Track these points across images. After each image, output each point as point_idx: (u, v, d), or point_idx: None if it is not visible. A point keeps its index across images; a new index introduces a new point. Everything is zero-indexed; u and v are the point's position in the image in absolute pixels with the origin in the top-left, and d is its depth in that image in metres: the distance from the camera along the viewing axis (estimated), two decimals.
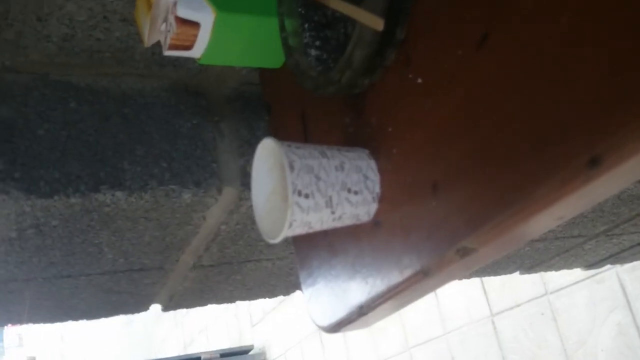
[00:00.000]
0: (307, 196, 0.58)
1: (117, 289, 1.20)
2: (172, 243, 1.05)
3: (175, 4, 0.71)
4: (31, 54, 0.84)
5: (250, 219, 1.03)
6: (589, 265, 1.94)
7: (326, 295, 0.73)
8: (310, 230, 0.61)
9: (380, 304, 0.63)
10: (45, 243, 0.93)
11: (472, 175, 0.50)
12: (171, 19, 0.73)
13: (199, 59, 0.77)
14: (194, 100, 0.95)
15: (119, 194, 0.85)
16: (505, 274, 1.83)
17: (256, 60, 0.81)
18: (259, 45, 0.78)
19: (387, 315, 0.67)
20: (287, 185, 0.59)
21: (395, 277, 0.60)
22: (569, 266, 1.89)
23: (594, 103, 0.40)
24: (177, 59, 0.90)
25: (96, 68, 0.89)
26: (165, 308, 1.38)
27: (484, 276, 1.81)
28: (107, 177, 0.85)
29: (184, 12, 0.71)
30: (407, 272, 0.58)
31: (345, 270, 0.68)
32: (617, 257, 1.87)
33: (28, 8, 0.78)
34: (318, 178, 0.59)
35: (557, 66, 0.42)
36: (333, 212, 0.60)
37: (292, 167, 0.58)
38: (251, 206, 0.98)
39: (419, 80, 0.56)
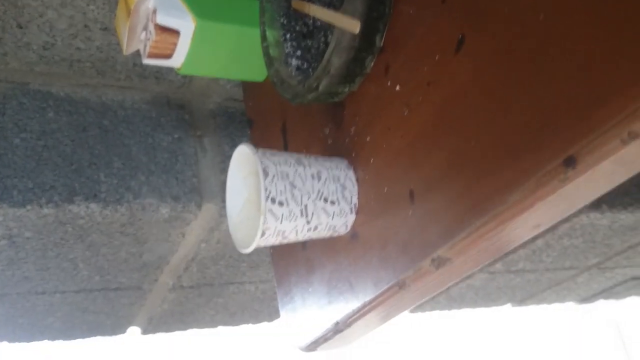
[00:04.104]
0: (281, 204, 0.56)
1: (93, 309, 1.17)
2: (150, 261, 1.02)
3: (155, 11, 0.70)
4: (11, 62, 0.83)
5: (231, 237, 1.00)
6: (582, 300, 1.91)
7: (303, 313, 0.70)
8: (285, 241, 0.59)
9: (355, 320, 0.61)
10: (19, 256, 0.90)
11: (448, 183, 0.48)
12: (151, 26, 0.71)
13: (178, 69, 0.76)
14: (176, 113, 0.93)
15: (93, 206, 0.83)
16: (497, 306, 1.80)
17: (238, 72, 0.79)
18: (240, 56, 0.76)
19: (365, 333, 0.65)
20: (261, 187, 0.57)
21: (370, 292, 0.58)
22: (562, 300, 1.86)
23: (568, 104, 0.38)
24: (159, 70, 0.89)
25: (76, 78, 0.87)
26: (144, 331, 1.35)
27: (476, 308, 1.78)
28: (82, 188, 0.83)
29: (163, 19, 0.70)
30: (382, 286, 0.56)
31: (322, 286, 0.66)
32: (610, 291, 1.85)
33: (8, 14, 0.77)
34: (293, 186, 0.57)
35: (531, 68, 0.41)
36: (308, 222, 0.58)
37: (266, 173, 0.56)
38: None
39: (397, 88, 0.54)
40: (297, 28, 0.67)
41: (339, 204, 0.59)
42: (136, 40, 0.74)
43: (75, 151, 0.84)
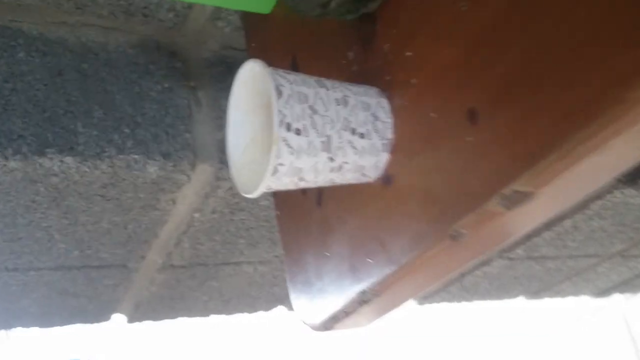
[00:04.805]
0: (298, 132, 0.44)
1: (73, 291, 1.04)
2: (136, 233, 0.89)
3: None
4: None
5: (228, 207, 0.88)
6: (599, 293, 1.80)
7: (317, 283, 0.58)
8: (301, 184, 0.46)
9: (387, 286, 0.49)
10: None
11: (530, 89, 0.36)
12: None
13: None
14: (166, 60, 0.81)
15: (69, 160, 0.70)
16: (510, 298, 1.68)
17: (241, 0, 0.67)
18: None
19: (398, 305, 0.52)
20: (272, 119, 0.45)
21: (409, 249, 0.45)
22: (578, 292, 1.74)
23: None
24: (147, 6, 0.76)
25: (52, 14, 0.75)
26: (131, 319, 1.22)
27: (488, 299, 1.66)
28: (56, 139, 0.70)
29: None
30: (426, 240, 0.44)
31: (343, 247, 0.54)
32: (629, 284, 1.73)
33: None
34: (314, 110, 0.44)
35: None
36: (332, 159, 0.46)
37: (279, 92, 0.43)
38: (230, 189, 0.83)
39: None
40: None
41: (369, 137, 0.47)
42: None
43: (49, 97, 0.72)
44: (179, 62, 0.82)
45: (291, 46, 0.64)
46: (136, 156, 0.73)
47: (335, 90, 0.46)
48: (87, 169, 0.72)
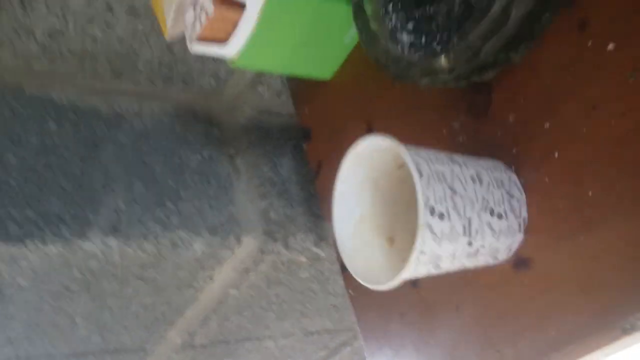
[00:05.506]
0: (441, 216, 0.39)
1: None
2: (164, 314, 0.82)
3: None
4: (5, 58, 0.64)
5: (267, 281, 0.82)
6: None
7: None
8: (434, 272, 0.42)
9: None
10: (6, 312, 0.70)
11: None
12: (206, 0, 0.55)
13: (233, 61, 0.59)
14: (204, 128, 0.75)
15: (112, 242, 0.64)
16: None
17: (305, 65, 0.63)
18: (313, 43, 0.60)
19: None
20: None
21: (563, 342, 0.41)
22: None
23: None
24: (189, 72, 0.72)
25: (84, 81, 0.69)
26: None
27: None
28: (97, 218, 0.64)
29: None
30: (590, 333, 0.39)
31: (454, 337, 0.49)
32: None
33: None
34: (453, 191, 0.40)
35: None
36: (470, 244, 0.41)
37: (420, 173, 0.39)
38: (274, 262, 0.77)
39: (610, 48, 0.39)
40: None
41: (506, 217, 0.43)
42: (182, 21, 0.57)
43: (86, 172, 0.66)
44: (216, 129, 0.76)
45: (364, 114, 0.60)
46: (183, 233, 0.67)
47: (467, 166, 0.42)
48: (131, 251, 0.65)
